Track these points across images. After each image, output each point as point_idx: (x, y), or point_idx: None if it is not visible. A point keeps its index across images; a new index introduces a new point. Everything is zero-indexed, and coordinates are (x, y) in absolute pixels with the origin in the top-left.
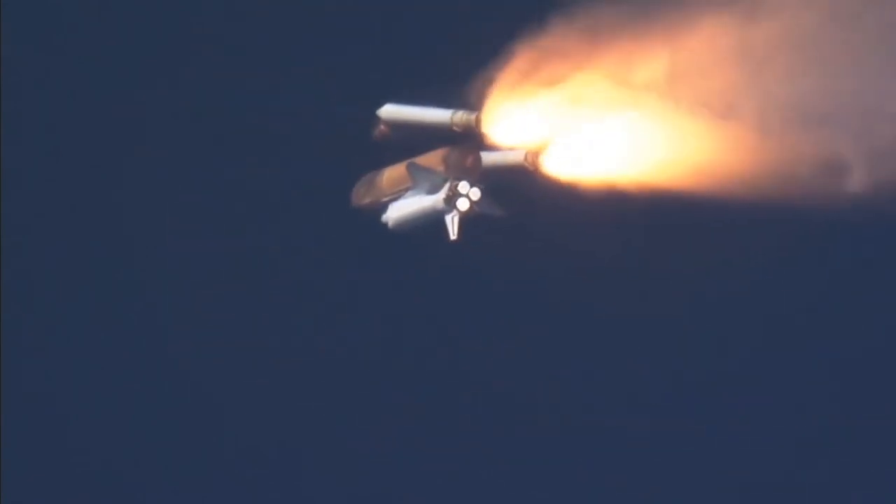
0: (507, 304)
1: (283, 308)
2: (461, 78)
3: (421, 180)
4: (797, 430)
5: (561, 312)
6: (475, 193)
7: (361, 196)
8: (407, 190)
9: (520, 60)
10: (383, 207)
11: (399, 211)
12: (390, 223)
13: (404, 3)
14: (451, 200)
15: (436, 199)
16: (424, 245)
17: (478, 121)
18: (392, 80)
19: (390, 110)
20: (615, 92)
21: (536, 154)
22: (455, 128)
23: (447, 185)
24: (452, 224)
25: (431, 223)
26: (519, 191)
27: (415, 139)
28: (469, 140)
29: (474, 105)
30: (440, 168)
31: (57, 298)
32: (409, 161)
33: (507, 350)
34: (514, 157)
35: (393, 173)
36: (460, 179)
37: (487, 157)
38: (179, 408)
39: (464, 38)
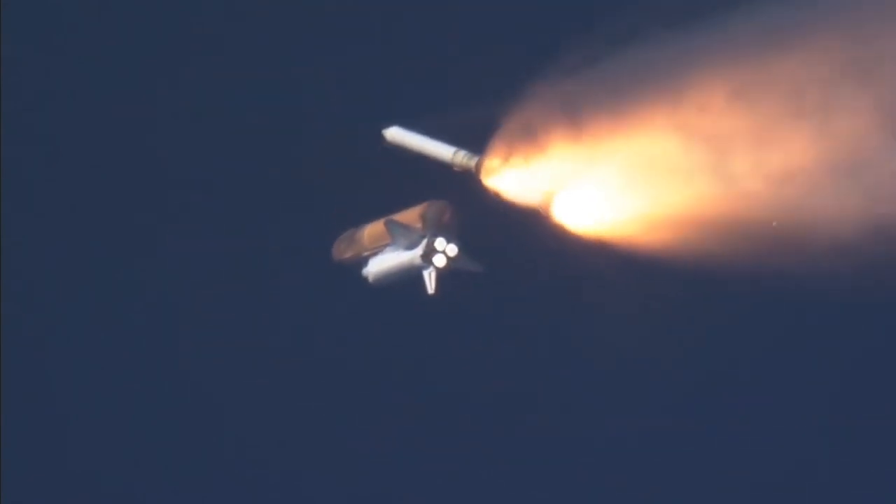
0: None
1: (281, 320)
2: (473, 113)
3: (399, 237)
4: (797, 428)
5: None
6: (452, 250)
7: (343, 251)
8: (386, 245)
9: (531, 107)
10: (364, 262)
11: (378, 266)
12: (370, 277)
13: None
14: (428, 256)
15: (413, 255)
16: (403, 299)
17: (478, 167)
18: (406, 100)
19: (395, 134)
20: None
21: (549, 201)
22: (455, 167)
23: (424, 242)
24: (430, 279)
25: (410, 278)
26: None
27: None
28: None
29: (477, 148)
30: (418, 224)
31: (57, 298)
32: (387, 218)
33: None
34: (530, 199)
35: (373, 229)
36: (437, 236)
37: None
38: (179, 407)
39: (485, 73)
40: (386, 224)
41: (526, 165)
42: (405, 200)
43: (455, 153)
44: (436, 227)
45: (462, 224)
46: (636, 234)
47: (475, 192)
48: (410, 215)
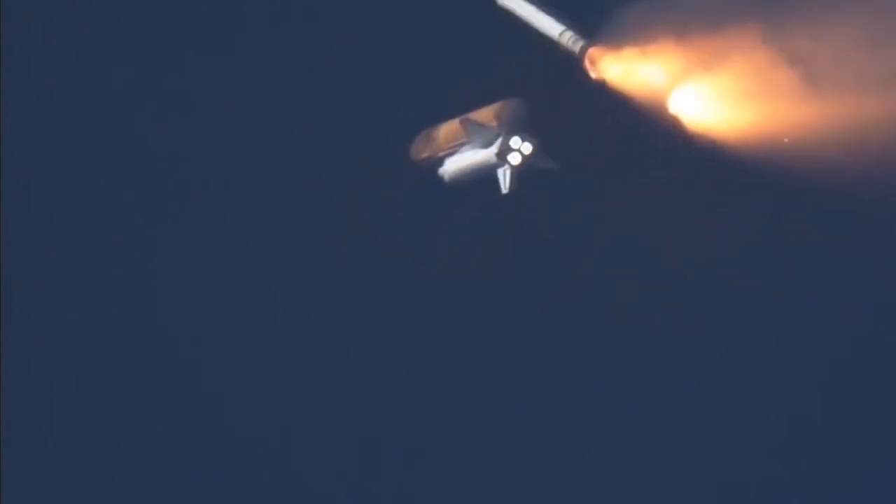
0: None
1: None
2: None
3: (475, 135)
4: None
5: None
6: (527, 148)
7: (420, 151)
8: (463, 144)
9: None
10: (440, 161)
11: (454, 165)
12: (446, 177)
13: None
14: (503, 155)
15: (488, 154)
16: (479, 197)
17: (582, 51)
18: None
19: (509, 1)
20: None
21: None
22: (559, 46)
23: (500, 140)
24: (505, 178)
25: (486, 177)
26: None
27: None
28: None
29: (589, 34)
30: (493, 123)
31: (57, 298)
32: (463, 117)
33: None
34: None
35: (449, 129)
36: (513, 134)
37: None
38: (181, 407)
39: None
40: (461, 123)
41: (636, 58)
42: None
43: (563, 32)
44: (511, 125)
45: (540, 121)
46: (745, 141)
47: (568, 83)
48: (486, 114)
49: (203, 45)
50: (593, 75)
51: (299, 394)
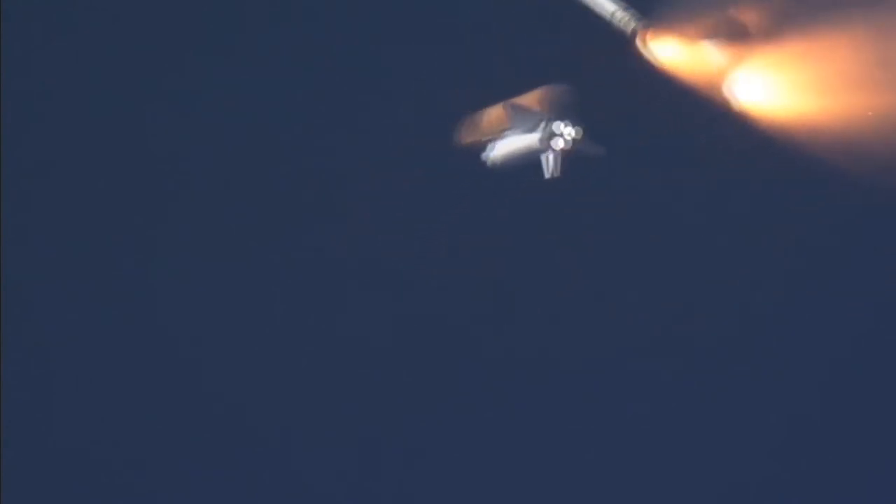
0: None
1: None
2: None
3: (520, 120)
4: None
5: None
6: (571, 132)
7: (465, 136)
8: (507, 129)
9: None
10: (485, 146)
11: (499, 150)
12: (491, 161)
13: None
14: (547, 139)
15: (533, 139)
16: (523, 182)
17: (634, 32)
18: None
19: None
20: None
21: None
22: (613, 24)
23: (544, 125)
24: (549, 163)
25: (531, 161)
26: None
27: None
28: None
29: (647, 15)
30: (538, 107)
31: (57, 298)
32: (507, 101)
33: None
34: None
35: (494, 113)
36: (558, 119)
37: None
38: (181, 407)
39: None
40: (505, 107)
41: (696, 39)
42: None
43: (619, 9)
44: (556, 110)
45: (584, 106)
46: (810, 128)
47: (616, 66)
48: (530, 98)
49: (203, 45)
50: (646, 57)
51: (299, 394)
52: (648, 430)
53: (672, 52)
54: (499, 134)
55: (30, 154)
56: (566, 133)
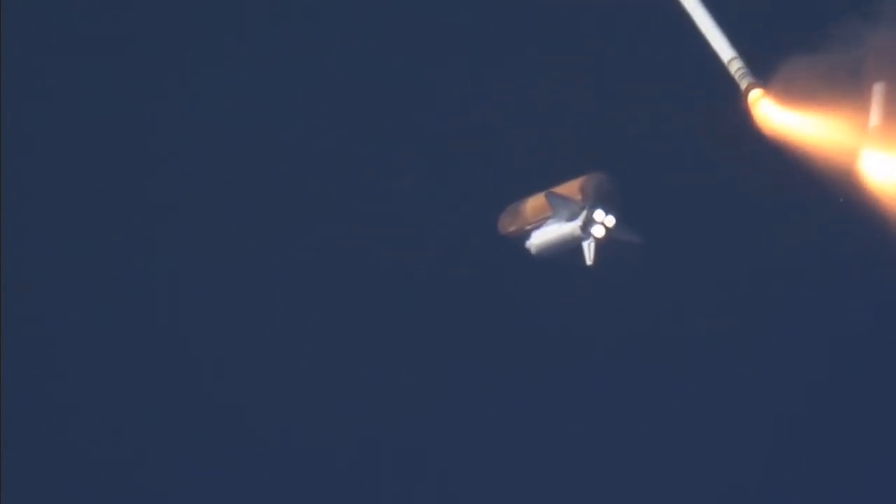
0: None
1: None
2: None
3: (560, 208)
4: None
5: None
6: (610, 220)
7: (507, 224)
8: (548, 218)
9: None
10: (528, 234)
11: (541, 238)
12: (533, 249)
13: None
14: (587, 227)
15: (573, 227)
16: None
17: (748, 89)
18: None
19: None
20: None
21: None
22: (730, 72)
23: (584, 213)
24: (589, 250)
25: (572, 249)
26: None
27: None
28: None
29: (764, 77)
30: (578, 197)
31: (57, 298)
32: (548, 191)
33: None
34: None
35: (536, 202)
36: (596, 207)
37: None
38: (181, 406)
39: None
40: (546, 196)
41: (808, 110)
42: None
43: (734, 61)
44: (595, 198)
45: (623, 194)
46: None
47: (653, 154)
48: (570, 188)
49: (203, 45)
50: (755, 117)
51: (299, 394)
52: (648, 430)
53: (784, 118)
54: (540, 222)
55: (30, 154)
56: (606, 221)
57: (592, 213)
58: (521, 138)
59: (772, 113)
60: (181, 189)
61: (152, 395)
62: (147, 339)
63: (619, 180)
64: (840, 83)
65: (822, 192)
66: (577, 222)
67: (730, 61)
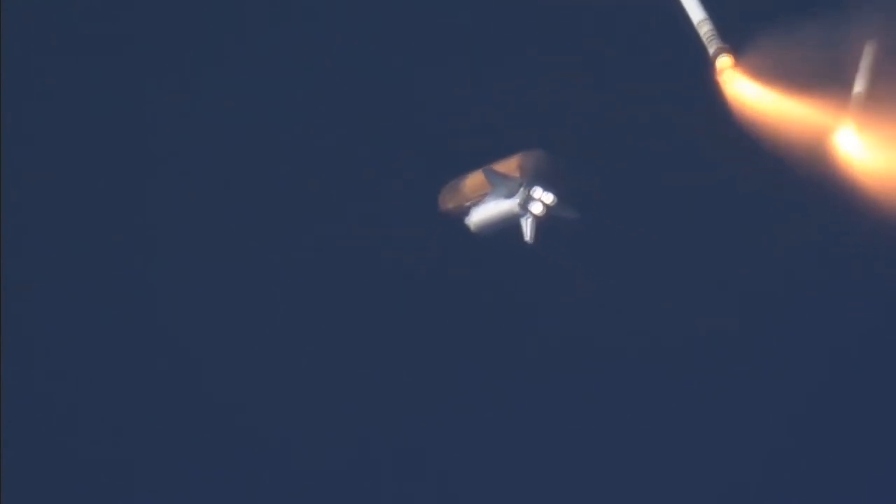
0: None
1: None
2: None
3: (499, 185)
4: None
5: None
6: (548, 197)
7: (447, 201)
8: (487, 194)
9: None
10: (467, 211)
11: (480, 215)
12: (472, 226)
13: None
14: (525, 204)
15: (512, 204)
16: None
17: (716, 54)
18: None
19: None
20: None
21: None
22: (701, 39)
23: (522, 190)
24: (528, 226)
25: (511, 225)
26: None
27: None
28: None
29: (732, 46)
30: (516, 173)
31: (57, 298)
32: (486, 167)
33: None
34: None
35: (475, 179)
36: (535, 184)
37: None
38: (180, 406)
39: None
40: (485, 173)
41: (780, 82)
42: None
43: (702, 22)
44: (533, 176)
45: (561, 171)
46: None
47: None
48: (509, 165)
49: (203, 45)
50: (722, 83)
51: (299, 393)
52: (648, 430)
53: (751, 90)
54: (480, 198)
55: (30, 154)
56: (544, 198)
57: (531, 189)
58: (461, 113)
59: (741, 83)
60: (181, 189)
61: (152, 394)
62: (147, 339)
63: (558, 157)
64: (818, 54)
65: (791, 169)
66: (516, 199)
67: (699, 23)
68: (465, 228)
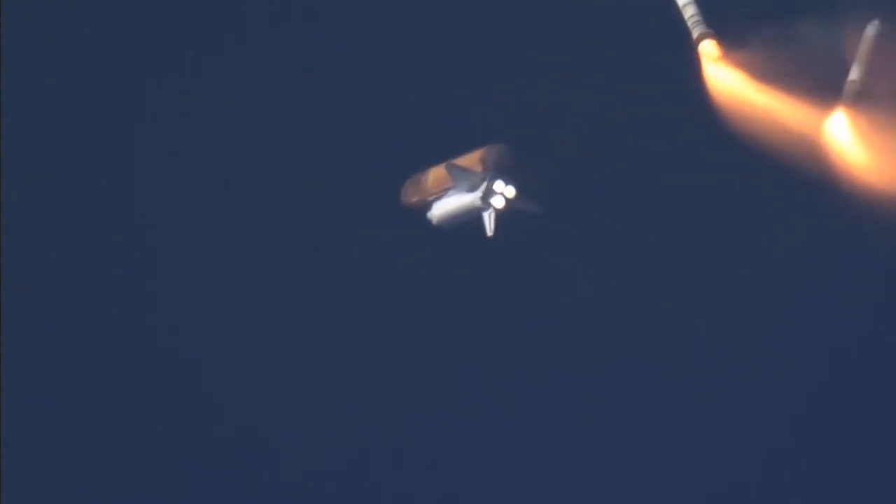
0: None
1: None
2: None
3: (461, 179)
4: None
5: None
6: (510, 191)
7: (410, 195)
8: (450, 189)
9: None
10: (430, 205)
11: (442, 208)
12: (434, 220)
13: None
14: (487, 198)
15: (474, 197)
16: (464, 239)
17: (699, 39)
18: None
19: None
20: None
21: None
22: (688, 23)
23: (484, 184)
24: (489, 220)
25: (473, 219)
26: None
27: None
28: None
29: (716, 32)
30: (478, 168)
31: (57, 298)
32: (448, 162)
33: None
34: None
35: (437, 173)
36: (497, 178)
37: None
38: (180, 406)
39: None
40: (447, 167)
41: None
42: None
43: (687, 5)
44: (495, 170)
45: (523, 165)
46: None
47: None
48: (471, 159)
49: (203, 45)
50: (705, 66)
51: (299, 394)
52: (648, 430)
53: (735, 79)
54: (442, 193)
55: (30, 154)
56: (506, 192)
57: (493, 183)
58: (425, 109)
59: (724, 71)
60: (181, 189)
61: (152, 394)
62: (146, 339)
63: (519, 151)
64: (808, 43)
65: (781, 162)
66: (478, 193)
67: (684, 5)
68: (428, 222)
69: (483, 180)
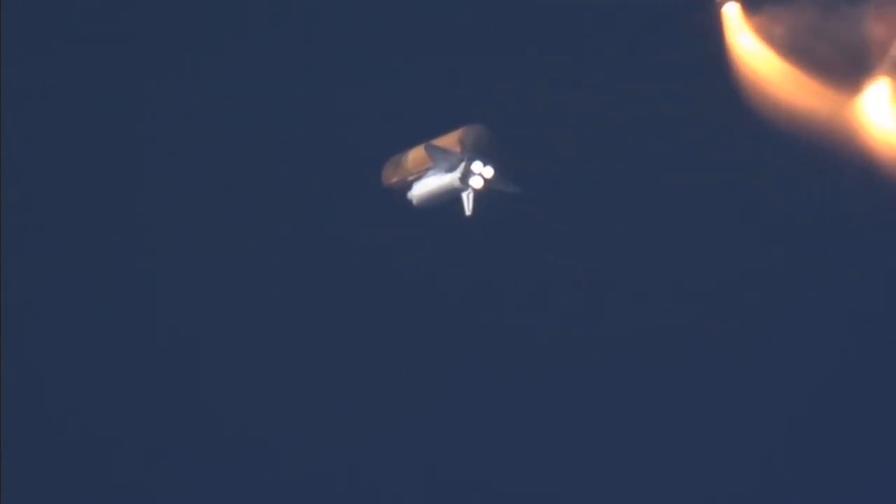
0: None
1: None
2: None
3: (440, 160)
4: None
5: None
6: (488, 172)
7: (390, 176)
8: (429, 169)
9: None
10: (410, 185)
11: (422, 189)
12: (414, 200)
13: None
14: (466, 178)
15: (452, 178)
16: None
17: (723, 1)
18: None
19: None
20: None
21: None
22: None
23: (463, 165)
24: (468, 200)
25: (452, 199)
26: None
27: None
28: None
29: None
30: (457, 149)
31: (57, 298)
32: (427, 143)
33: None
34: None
35: (417, 154)
36: (475, 159)
37: None
38: (180, 406)
39: None
40: (426, 149)
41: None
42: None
43: None
44: (474, 151)
45: (502, 146)
46: None
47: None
48: (449, 140)
49: (204, 45)
50: (727, 33)
51: (299, 394)
52: (648, 430)
53: (759, 49)
54: (422, 173)
55: (30, 154)
56: (484, 172)
57: (471, 164)
58: (425, 109)
59: (748, 38)
60: (181, 189)
61: (152, 394)
62: (146, 339)
63: (497, 131)
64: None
65: (803, 148)
66: (457, 173)
67: None
68: (408, 202)
69: (461, 161)
